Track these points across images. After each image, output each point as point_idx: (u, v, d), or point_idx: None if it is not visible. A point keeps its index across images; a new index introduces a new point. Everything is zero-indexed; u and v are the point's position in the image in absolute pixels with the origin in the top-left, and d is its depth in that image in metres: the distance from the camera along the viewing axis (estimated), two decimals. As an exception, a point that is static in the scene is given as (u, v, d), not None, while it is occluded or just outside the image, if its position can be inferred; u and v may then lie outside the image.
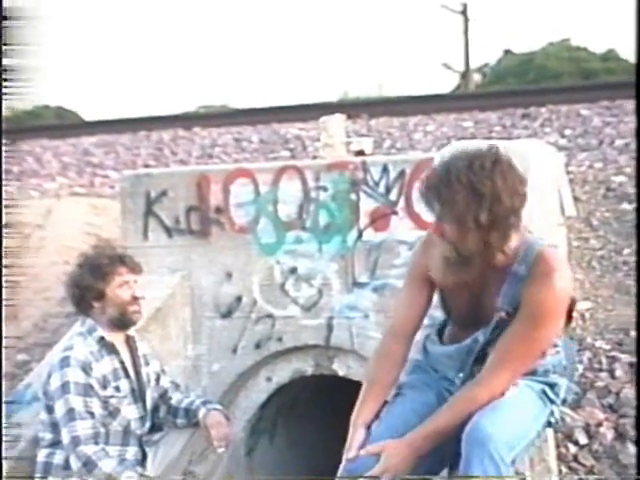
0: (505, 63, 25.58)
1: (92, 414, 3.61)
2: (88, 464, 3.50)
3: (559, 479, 3.34)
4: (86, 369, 3.66)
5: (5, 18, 3.05)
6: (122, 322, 3.85)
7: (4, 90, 3.17)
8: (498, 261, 2.93)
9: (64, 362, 3.65)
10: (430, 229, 3.10)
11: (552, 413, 3.05)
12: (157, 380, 4.03)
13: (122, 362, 3.83)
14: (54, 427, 3.64)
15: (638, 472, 3.40)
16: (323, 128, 5.31)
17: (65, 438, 3.56)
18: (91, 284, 3.78)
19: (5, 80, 3.13)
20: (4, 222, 3.34)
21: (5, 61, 3.09)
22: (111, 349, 3.81)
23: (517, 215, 2.87)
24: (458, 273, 2.98)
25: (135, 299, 3.85)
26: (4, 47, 3.06)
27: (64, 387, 3.60)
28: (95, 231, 6.52)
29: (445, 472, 3.19)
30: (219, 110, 17.45)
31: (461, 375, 3.09)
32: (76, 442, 3.53)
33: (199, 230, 4.83)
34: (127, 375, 3.83)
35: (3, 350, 3.91)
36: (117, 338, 3.87)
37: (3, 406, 3.93)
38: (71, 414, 3.56)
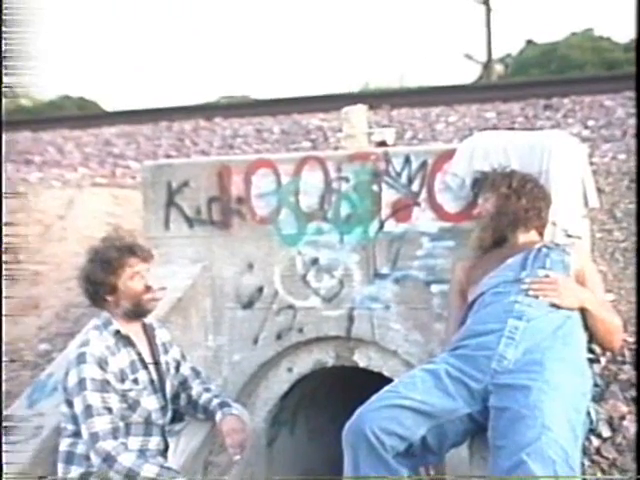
0: (527, 53, 25.40)
1: (110, 409, 3.60)
2: (108, 459, 3.50)
3: (582, 472, 3.32)
4: (102, 365, 3.64)
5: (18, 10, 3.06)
6: (137, 313, 3.83)
7: (14, 82, 3.18)
8: (515, 244, 3.84)
9: (80, 358, 3.65)
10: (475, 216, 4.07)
11: (588, 414, 3.40)
12: (177, 368, 4.03)
13: (139, 354, 3.82)
14: (75, 420, 3.65)
15: (638, 472, 3.38)
16: (345, 119, 5.29)
17: (84, 434, 3.57)
18: (103, 279, 3.76)
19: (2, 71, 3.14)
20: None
21: (19, 51, 3.10)
22: (127, 342, 3.79)
23: (536, 213, 3.88)
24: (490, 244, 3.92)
25: (148, 288, 3.82)
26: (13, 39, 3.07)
27: (81, 384, 3.59)
28: (116, 221, 6.54)
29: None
30: (240, 100, 17.42)
31: None
32: (95, 439, 3.53)
33: (220, 221, 4.83)
34: (145, 366, 3.82)
35: (4, 347, 3.93)
36: (133, 329, 3.86)
37: (3, 403, 3.96)
38: (89, 411, 3.56)
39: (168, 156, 8.60)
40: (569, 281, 3.63)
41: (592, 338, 3.75)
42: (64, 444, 3.71)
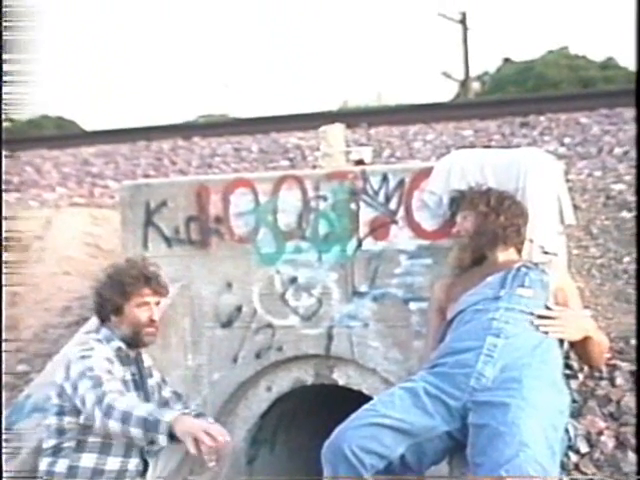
0: (504, 71, 25.61)
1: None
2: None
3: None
4: (108, 362, 3.66)
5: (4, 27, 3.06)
6: (134, 341, 3.86)
7: (3, 101, 3.17)
8: (495, 262, 3.84)
9: (86, 353, 3.65)
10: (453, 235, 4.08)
11: (567, 431, 3.43)
12: (159, 392, 4.03)
13: (133, 374, 3.85)
14: (60, 433, 3.64)
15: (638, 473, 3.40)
16: (322, 137, 5.31)
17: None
18: (111, 297, 3.81)
19: (2, 89, 3.14)
20: (3, 233, 3.34)
21: (4, 70, 3.10)
22: (126, 361, 3.82)
23: (515, 230, 3.87)
24: (468, 265, 3.91)
25: (152, 321, 3.86)
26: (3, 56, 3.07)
27: (83, 373, 3.55)
28: (95, 241, 6.52)
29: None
30: (219, 120, 17.44)
31: None
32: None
33: (199, 240, 4.83)
34: (137, 387, 3.84)
35: (4, 362, 3.89)
36: (131, 352, 3.89)
37: (3, 416, 3.93)
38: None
39: (146, 175, 8.60)
40: (571, 313, 3.65)
41: (581, 357, 3.80)
42: (44, 464, 3.68)
